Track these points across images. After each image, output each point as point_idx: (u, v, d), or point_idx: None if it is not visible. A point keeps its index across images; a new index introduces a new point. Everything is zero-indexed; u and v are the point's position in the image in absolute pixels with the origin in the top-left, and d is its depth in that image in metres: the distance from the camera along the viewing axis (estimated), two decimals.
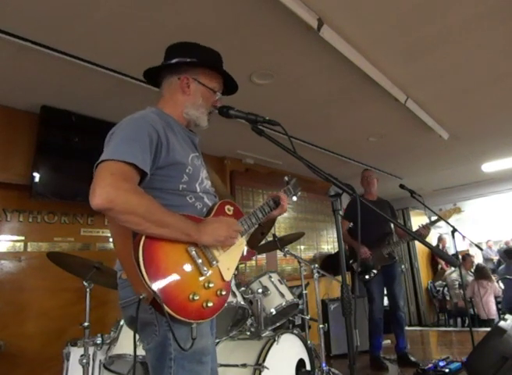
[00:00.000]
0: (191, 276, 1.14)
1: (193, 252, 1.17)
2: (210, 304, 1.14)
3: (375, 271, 3.43)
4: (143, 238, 1.08)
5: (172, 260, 1.12)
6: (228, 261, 1.28)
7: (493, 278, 5.58)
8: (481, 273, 5.48)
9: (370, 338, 3.59)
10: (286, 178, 1.73)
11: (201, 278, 1.16)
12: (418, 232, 3.32)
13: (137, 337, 1.21)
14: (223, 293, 1.20)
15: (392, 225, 3.70)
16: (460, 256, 5.07)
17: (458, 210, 3.42)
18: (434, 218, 3.37)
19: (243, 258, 1.38)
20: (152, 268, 1.05)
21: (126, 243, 1.10)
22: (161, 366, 1.13)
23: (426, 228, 3.33)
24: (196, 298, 1.10)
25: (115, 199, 1.02)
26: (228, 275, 1.25)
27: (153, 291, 1.02)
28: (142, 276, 1.03)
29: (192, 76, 1.36)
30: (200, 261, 1.17)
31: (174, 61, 1.36)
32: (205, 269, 1.18)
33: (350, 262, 3.63)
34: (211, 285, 1.16)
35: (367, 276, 3.46)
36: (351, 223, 3.70)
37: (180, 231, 1.12)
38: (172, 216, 1.12)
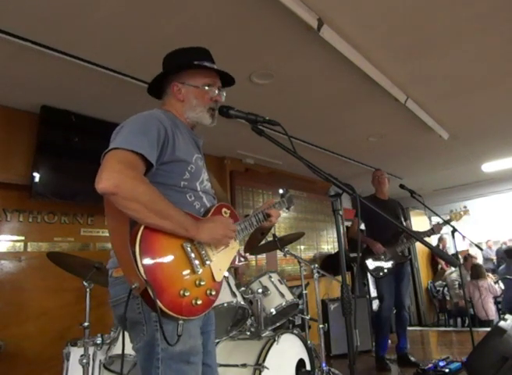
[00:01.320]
0: (184, 271, 1.16)
1: (188, 249, 1.18)
2: (199, 302, 1.14)
3: (387, 267, 3.45)
4: (141, 228, 1.09)
5: (168, 253, 1.13)
6: (221, 262, 1.29)
7: (490, 277, 5.57)
8: (475, 274, 5.47)
9: (377, 338, 3.56)
10: (281, 191, 1.73)
11: (193, 275, 1.17)
12: (432, 230, 3.51)
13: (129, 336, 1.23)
14: (213, 293, 1.21)
15: (405, 223, 3.85)
16: (460, 256, 5.07)
17: (467, 212, 3.55)
18: (446, 218, 3.52)
19: (234, 263, 1.39)
20: (147, 257, 1.07)
21: (122, 231, 1.11)
22: (149, 366, 1.14)
23: (439, 227, 3.51)
24: (186, 294, 1.11)
25: (121, 185, 1.05)
26: (219, 276, 1.27)
27: (145, 279, 1.03)
28: (136, 263, 1.04)
29: (179, 81, 1.41)
30: (194, 258, 1.19)
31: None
32: (198, 267, 1.19)
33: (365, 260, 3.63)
34: (202, 283, 1.17)
35: (381, 273, 3.46)
36: (362, 224, 3.76)
37: (179, 225, 1.14)
38: (174, 209, 1.14)
